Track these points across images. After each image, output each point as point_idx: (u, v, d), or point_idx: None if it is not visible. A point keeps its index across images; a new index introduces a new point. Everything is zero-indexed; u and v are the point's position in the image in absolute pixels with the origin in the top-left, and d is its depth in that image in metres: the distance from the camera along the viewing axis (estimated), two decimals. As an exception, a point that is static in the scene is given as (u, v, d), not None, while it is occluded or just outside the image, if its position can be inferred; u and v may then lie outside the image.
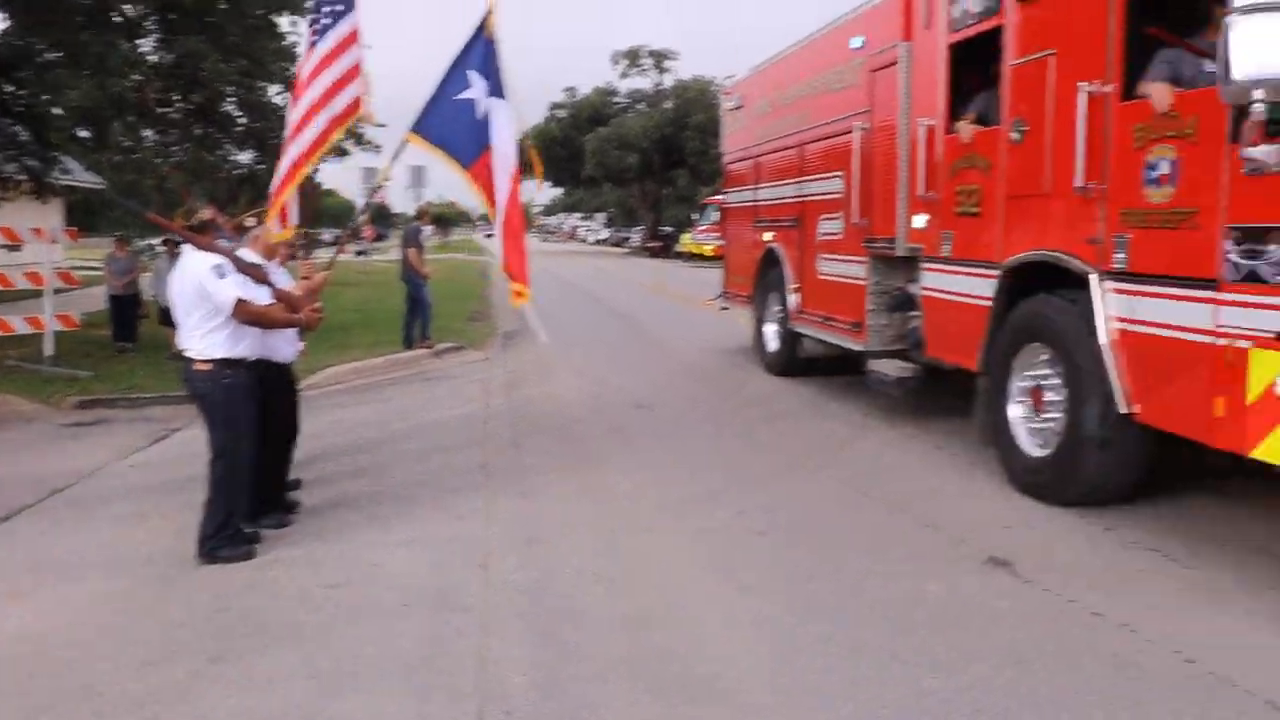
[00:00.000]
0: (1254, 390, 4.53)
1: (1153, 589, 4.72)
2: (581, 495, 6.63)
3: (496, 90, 6.63)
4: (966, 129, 7.08)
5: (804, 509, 6.24)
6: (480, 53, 6.66)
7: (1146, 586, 4.76)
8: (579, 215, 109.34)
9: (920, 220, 7.84)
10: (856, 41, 8.97)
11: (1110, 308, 5.52)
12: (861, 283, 9.01)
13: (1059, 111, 5.94)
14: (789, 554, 5.35)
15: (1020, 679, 3.80)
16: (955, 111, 7.49)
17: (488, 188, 6.66)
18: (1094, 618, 4.38)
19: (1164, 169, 5.08)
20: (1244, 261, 4.59)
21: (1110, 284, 5.53)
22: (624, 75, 59.57)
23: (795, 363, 11.21)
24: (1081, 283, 5.80)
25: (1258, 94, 4.19)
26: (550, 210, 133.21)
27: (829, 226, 9.83)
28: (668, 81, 58.89)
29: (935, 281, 7.67)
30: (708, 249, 41.25)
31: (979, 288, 6.94)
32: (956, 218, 7.26)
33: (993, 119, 7.24)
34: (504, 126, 6.64)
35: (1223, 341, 4.71)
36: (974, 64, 7.64)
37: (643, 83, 61.14)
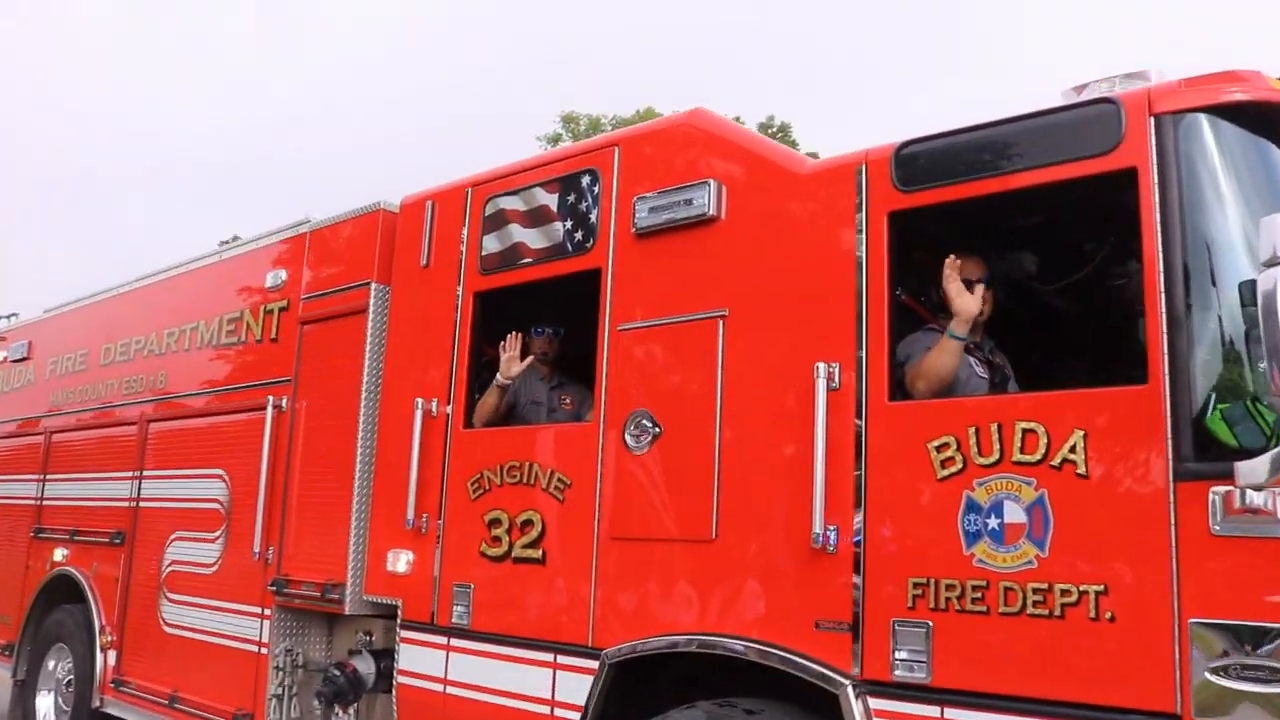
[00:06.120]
0: None
1: None
2: None
3: None
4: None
5: None
6: None
7: None
8: None
9: (403, 561, 4.84)
10: (276, 278, 5.98)
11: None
12: (255, 648, 5.58)
13: (745, 404, 3.65)
14: None
15: None
16: (472, 396, 4.88)
17: None
18: None
19: (1014, 514, 2.96)
20: (1233, 685, 2.56)
21: (885, 704, 3.14)
22: None
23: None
24: (808, 699, 3.36)
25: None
26: None
27: (193, 551, 6.23)
28: None
29: (429, 664, 4.62)
30: None
31: (540, 685, 4.12)
32: (487, 563, 4.44)
33: (546, 406, 4.83)
34: None
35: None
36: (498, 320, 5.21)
37: None
